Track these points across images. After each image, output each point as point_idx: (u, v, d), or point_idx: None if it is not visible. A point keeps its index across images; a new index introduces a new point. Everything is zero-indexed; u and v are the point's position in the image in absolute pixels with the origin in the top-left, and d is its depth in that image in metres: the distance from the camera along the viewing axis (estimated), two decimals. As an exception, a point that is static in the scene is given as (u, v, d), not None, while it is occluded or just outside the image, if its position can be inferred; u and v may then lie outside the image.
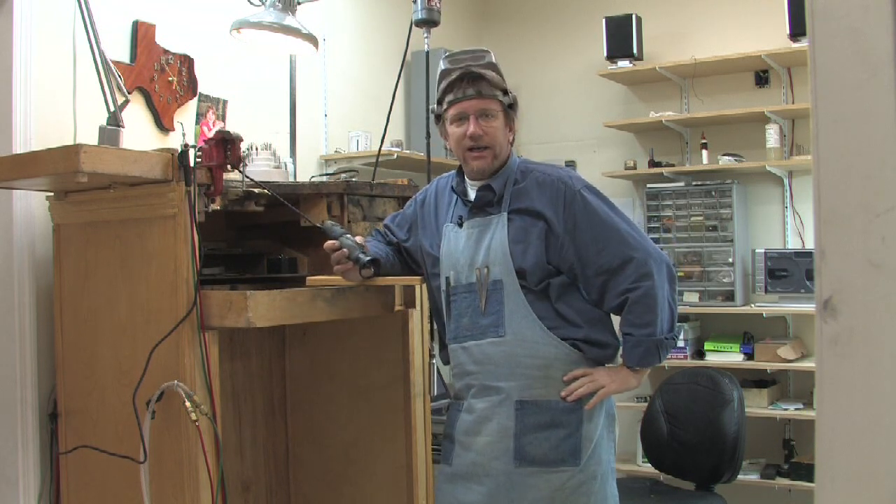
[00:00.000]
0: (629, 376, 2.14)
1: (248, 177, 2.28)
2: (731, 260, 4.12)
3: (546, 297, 2.11)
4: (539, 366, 2.09)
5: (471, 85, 2.13)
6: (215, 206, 2.23)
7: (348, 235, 2.24)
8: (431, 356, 2.52)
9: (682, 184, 4.28)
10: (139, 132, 2.88)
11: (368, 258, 2.20)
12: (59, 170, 2.03)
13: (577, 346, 2.11)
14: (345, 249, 2.19)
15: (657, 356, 2.11)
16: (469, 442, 2.15)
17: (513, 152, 2.25)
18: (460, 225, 2.20)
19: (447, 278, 2.20)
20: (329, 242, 2.22)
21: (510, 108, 2.18)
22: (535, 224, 2.11)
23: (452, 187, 2.26)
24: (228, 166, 2.19)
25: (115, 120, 2.54)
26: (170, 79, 3.04)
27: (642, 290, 2.06)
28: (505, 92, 2.17)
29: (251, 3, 2.99)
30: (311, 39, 2.97)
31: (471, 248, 2.16)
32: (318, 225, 2.31)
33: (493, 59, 2.17)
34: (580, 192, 2.12)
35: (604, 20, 4.45)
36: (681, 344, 4.13)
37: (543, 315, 2.09)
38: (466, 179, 2.24)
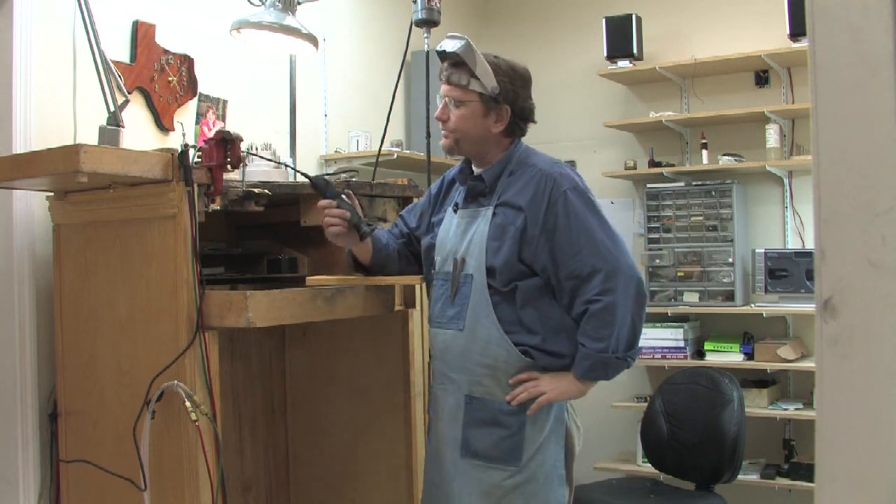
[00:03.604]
0: (572, 385, 2.11)
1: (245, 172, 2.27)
2: (731, 260, 4.11)
3: (512, 300, 2.12)
4: (487, 364, 2.12)
5: (445, 69, 2.18)
6: (215, 206, 2.23)
7: (344, 196, 2.24)
8: (431, 356, 2.52)
9: (682, 184, 4.28)
10: (139, 132, 2.88)
11: (371, 228, 2.24)
12: (59, 170, 2.03)
13: (529, 353, 2.11)
14: (345, 211, 2.21)
15: (605, 373, 2.10)
16: (433, 426, 2.26)
17: (518, 143, 2.24)
18: (455, 211, 2.25)
19: (437, 261, 2.26)
20: (325, 201, 2.23)
21: (494, 99, 2.14)
22: (515, 219, 2.12)
23: (455, 174, 2.32)
24: (229, 166, 2.19)
25: (115, 120, 2.54)
26: (170, 79, 3.04)
27: (602, 304, 2.04)
28: (488, 82, 2.12)
29: (251, 3, 2.99)
30: (311, 39, 2.97)
31: (457, 238, 2.21)
32: (309, 178, 2.26)
33: (464, 48, 2.11)
34: (566, 192, 2.11)
35: (604, 20, 4.45)
36: (681, 344, 4.13)
37: (503, 317, 2.11)
38: (474, 167, 2.27)
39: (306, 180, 2.26)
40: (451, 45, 2.13)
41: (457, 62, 2.14)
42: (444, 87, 2.19)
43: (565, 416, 2.17)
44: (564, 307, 2.13)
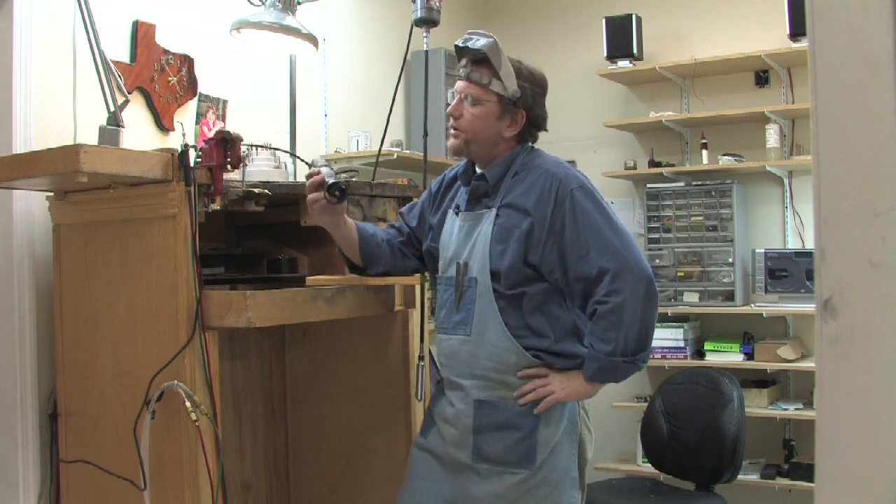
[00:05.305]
0: (581, 387, 2.07)
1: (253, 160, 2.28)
2: (731, 260, 4.11)
3: (518, 305, 2.08)
4: (499, 370, 2.09)
5: (466, 66, 2.13)
6: (215, 206, 2.23)
7: (331, 170, 2.22)
8: (420, 358, 2.48)
9: (682, 184, 4.28)
10: (139, 132, 2.88)
11: (334, 182, 2.14)
12: (59, 170, 2.03)
13: (540, 356, 2.08)
14: (321, 174, 2.15)
15: (613, 376, 2.06)
16: (443, 429, 2.18)
17: (524, 144, 2.20)
18: (457, 214, 2.21)
19: (439, 265, 2.23)
20: (309, 171, 2.21)
21: (513, 102, 2.11)
22: (521, 222, 2.07)
23: (459, 174, 2.26)
24: (229, 166, 2.19)
25: (115, 120, 2.54)
26: (170, 79, 3.04)
27: (609, 306, 1.99)
28: (509, 84, 2.09)
29: (251, 3, 2.99)
30: (311, 39, 2.97)
31: (459, 241, 2.17)
32: (308, 162, 2.32)
33: (491, 47, 2.08)
34: (572, 192, 2.06)
35: (604, 20, 4.45)
36: (681, 344, 4.13)
37: (510, 322, 2.07)
38: (478, 168, 2.22)
39: (305, 181, 2.26)
40: (476, 42, 2.09)
41: (480, 59, 2.10)
42: (461, 84, 2.13)
43: (578, 419, 2.13)
44: (578, 308, 2.10)
